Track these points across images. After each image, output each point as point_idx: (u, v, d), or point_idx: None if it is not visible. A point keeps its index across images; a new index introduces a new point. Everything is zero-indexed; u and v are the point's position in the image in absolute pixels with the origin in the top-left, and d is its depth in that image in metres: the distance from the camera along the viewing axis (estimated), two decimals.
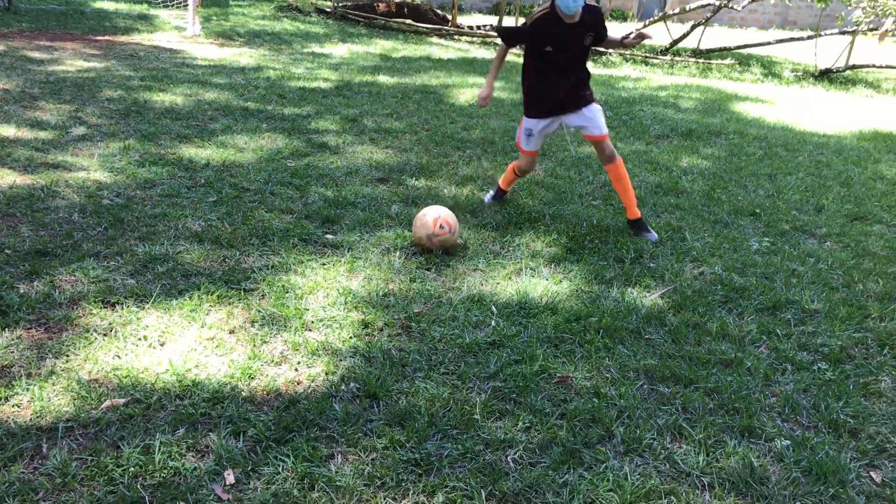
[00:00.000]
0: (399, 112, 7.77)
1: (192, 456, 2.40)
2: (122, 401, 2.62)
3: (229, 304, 3.38)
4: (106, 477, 2.27)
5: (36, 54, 9.20)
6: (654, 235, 4.59)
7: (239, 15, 15.57)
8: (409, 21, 16.54)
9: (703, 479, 2.48)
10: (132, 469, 2.30)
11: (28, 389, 2.64)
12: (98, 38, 11.26)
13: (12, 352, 2.86)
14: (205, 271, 3.68)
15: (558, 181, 5.76)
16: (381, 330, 3.27)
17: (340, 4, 17.45)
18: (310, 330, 3.21)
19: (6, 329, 3.00)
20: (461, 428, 2.61)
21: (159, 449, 2.39)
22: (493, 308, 3.52)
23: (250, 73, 9.36)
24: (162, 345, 3.01)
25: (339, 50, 12.24)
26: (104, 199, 4.54)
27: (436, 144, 6.59)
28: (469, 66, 11.68)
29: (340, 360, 2.99)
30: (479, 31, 16.24)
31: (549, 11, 4.28)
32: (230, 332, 3.14)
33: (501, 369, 2.99)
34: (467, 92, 9.24)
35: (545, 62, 4.37)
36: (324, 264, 3.87)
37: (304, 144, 6.22)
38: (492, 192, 5.13)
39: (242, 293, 3.48)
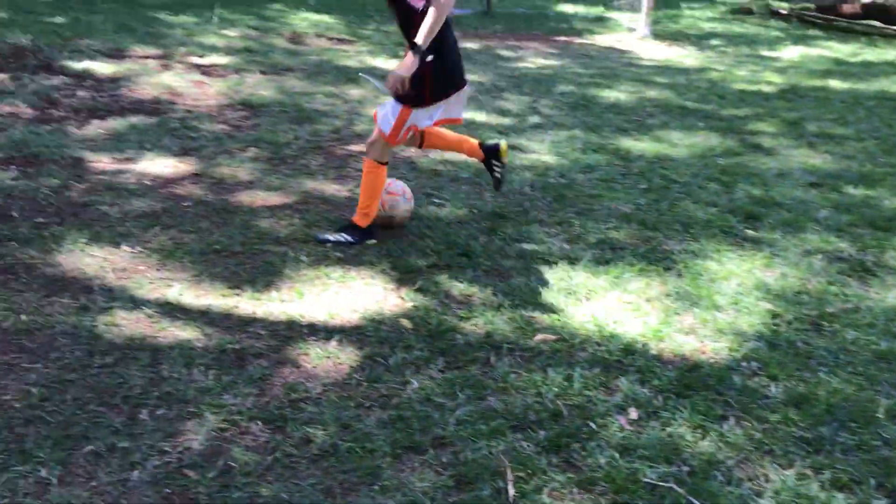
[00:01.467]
0: (846, 118, 7.40)
1: (604, 391, 2.86)
2: (552, 337, 3.20)
3: (648, 277, 3.78)
4: (535, 390, 2.84)
5: (505, 52, 10.61)
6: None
7: (689, 17, 15.84)
8: (877, 23, 15.17)
9: None
10: (555, 389, 2.84)
11: (483, 315, 3.35)
12: (557, 38, 12.49)
13: (474, 287, 3.62)
14: (629, 247, 4.14)
15: None
16: (790, 323, 3.39)
17: (799, 6, 16.67)
18: (719, 310, 3.47)
19: (470, 268, 3.80)
20: (860, 423, 2.67)
21: (578, 379, 2.90)
22: None
23: (693, 74, 9.63)
24: (587, 300, 3.53)
25: (788, 53, 11.84)
26: (550, 177, 5.27)
27: (884, 153, 6.20)
28: None
29: (745, 341, 3.21)
30: None
31: None
32: (647, 300, 3.55)
33: None
34: None
35: None
36: (741, 256, 4.07)
37: (737, 144, 6.35)
38: None
39: (661, 270, 3.86)
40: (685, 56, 11.20)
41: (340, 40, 10.21)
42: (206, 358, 2.95)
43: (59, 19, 9.86)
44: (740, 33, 14.01)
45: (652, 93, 8.29)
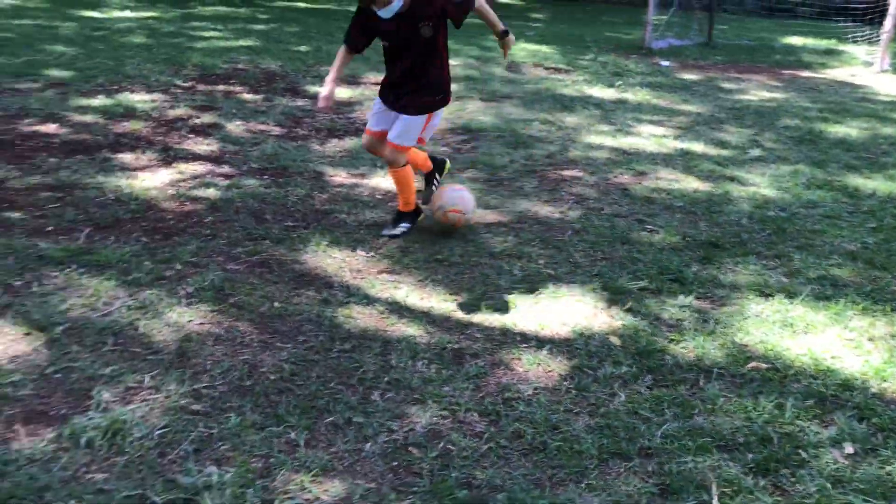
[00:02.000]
0: None
1: (817, 423, 2.84)
2: (764, 366, 3.20)
3: (873, 316, 3.65)
4: (745, 415, 2.87)
5: (726, 84, 10.40)
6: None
7: None
8: None
9: None
10: (765, 416, 2.86)
11: (693, 340, 3.41)
12: (783, 71, 12.03)
13: (685, 312, 3.69)
14: (853, 285, 4.00)
15: None
16: None
17: None
18: None
19: (681, 294, 3.86)
20: None
21: (790, 409, 2.89)
22: None
23: None
24: (805, 333, 3.48)
25: None
26: (770, 210, 5.17)
27: None
28: None
29: None
30: None
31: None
32: (869, 339, 3.44)
33: None
34: None
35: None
36: None
37: None
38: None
39: (888, 310, 3.71)
40: None
41: (557, 69, 10.51)
42: (428, 353, 3.25)
43: (303, 48, 10.96)
44: None
45: (888, 129, 7.82)
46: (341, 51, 4.21)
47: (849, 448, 2.68)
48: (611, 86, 9.52)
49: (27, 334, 3.21)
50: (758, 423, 2.82)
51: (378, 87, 4.35)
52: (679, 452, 2.64)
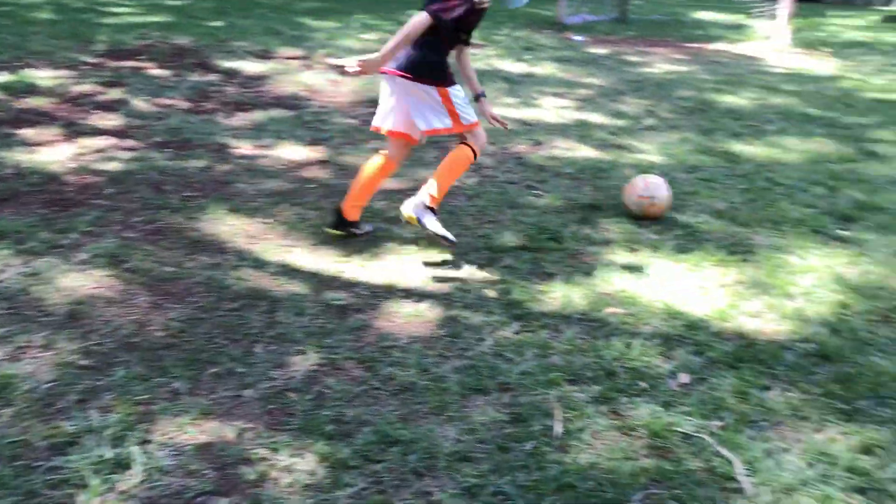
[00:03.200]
0: None
1: (661, 359, 3.16)
2: (621, 310, 3.52)
3: (726, 266, 4.02)
4: (596, 353, 3.18)
5: (633, 57, 10.80)
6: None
7: (834, 26, 15.38)
8: None
9: None
10: (615, 353, 3.17)
11: (560, 290, 3.71)
12: (689, 45, 12.52)
13: (557, 266, 3.98)
14: (714, 239, 4.37)
15: None
16: (859, 314, 3.55)
17: None
18: (789, 298, 3.67)
19: (556, 251, 4.16)
20: None
21: (637, 347, 3.21)
22: None
23: (824, 82, 9.50)
24: (662, 283, 3.82)
25: None
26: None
27: None
28: None
29: (807, 326, 3.41)
30: None
31: None
32: (720, 286, 3.80)
33: None
34: None
35: None
36: (826, 253, 4.22)
37: (854, 151, 6.34)
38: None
39: (740, 261, 4.08)
40: (821, 65, 10.99)
41: (474, 45, 10.73)
42: (314, 309, 3.47)
43: (217, 23, 10.94)
44: (891, 43, 13.51)
45: (776, 100, 8.30)
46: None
47: (683, 378, 3.01)
48: (521, 60, 9.80)
49: None
50: (607, 359, 3.12)
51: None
52: (532, 386, 2.93)
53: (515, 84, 8.36)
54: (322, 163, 5.48)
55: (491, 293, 3.67)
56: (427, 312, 3.49)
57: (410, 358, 3.12)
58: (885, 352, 3.21)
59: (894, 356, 3.17)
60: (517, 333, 3.33)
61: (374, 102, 7.08)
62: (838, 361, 3.13)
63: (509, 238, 4.30)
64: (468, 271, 3.89)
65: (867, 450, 2.60)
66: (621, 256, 4.11)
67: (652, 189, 4.60)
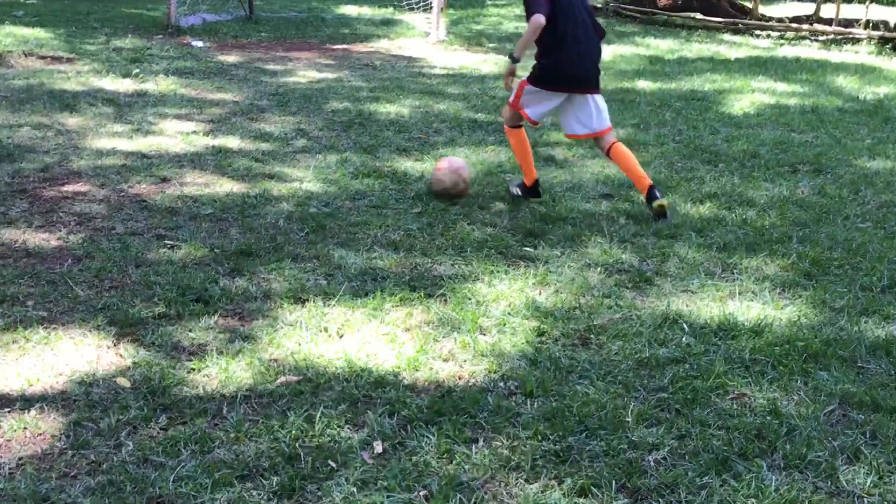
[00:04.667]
0: (649, 122, 8.44)
1: (350, 428, 3.28)
2: (295, 378, 3.59)
3: (410, 305, 4.28)
4: (272, 436, 3.21)
5: (270, 66, 11.08)
6: None
7: (493, 16, 17.11)
8: (696, 15, 17.07)
9: (865, 498, 2.90)
10: (294, 432, 3.23)
11: (217, 364, 3.70)
12: (335, 46, 13.16)
13: (209, 334, 3.96)
14: (393, 276, 4.64)
15: (823, 200, 6.10)
16: (557, 340, 3.99)
17: (613, 1, 18.42)
18: (483, 333, 4.02)
19: (206, 315, 4.13)
20: (610, 429, 3.25)
21: (320, 419, 3.30)
22: (685, 326, 4.10)
23: (489, 82, 10.52)
24: (340, 336, 3.97)
25: None
26: (311, 206, 5.72)
27: (683, 158, 7.17)
28: (760, 66, 12.02)
29: (505, 362, 3.76)
30: (788, 25, 16.33)
31: None
32: (405, 330, 4.03)
33: (673, 382, 3.58)
34: (745, 98, 9.65)
35: None
36: (513, 276, 4.68)
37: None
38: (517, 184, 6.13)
39: (425, 297, 4.38)
40: (483, 62, 12.17)
41: (56, 59, 10.27)
42: None
43: None
44: None
45: (440, 105, 9.03)
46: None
47: (378, 446, 3.15)
48: (127, 75, 9.60)
49: None
50: (285, 441, 3.17)
51: None
52: (195, 494, 2.88)
53: (123, 107, 8.18)
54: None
55: (124, 382, 3.55)
56: (38, 421, 3.27)
57: (22, 486, 2.90)
58: (587, 377, 3.64)
59: (597, 381, 3.61)
60: (166, 429, 3.25)
61: None
62: (542, 397, 3.48)
63: (140, 306, 4.18)
64: (90, 358, 3.72)
65: (583, 491, 2.92)
66: (289, 311, 4.20)
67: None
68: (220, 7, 14.96)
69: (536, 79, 5.68)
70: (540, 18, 5.44)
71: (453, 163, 6.13)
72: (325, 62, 11.74)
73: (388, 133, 7.79)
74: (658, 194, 5.62)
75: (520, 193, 6.04)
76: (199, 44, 12.24)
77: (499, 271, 4.74)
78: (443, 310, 4.24)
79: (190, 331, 3.98)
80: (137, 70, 9.80)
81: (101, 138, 7.06)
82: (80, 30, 12.18)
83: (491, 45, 13.99)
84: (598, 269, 4.82)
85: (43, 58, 10.27)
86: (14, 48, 10.49)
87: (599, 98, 5.73)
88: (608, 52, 13.08)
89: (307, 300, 4.33)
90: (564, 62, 5.56)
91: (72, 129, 7.29)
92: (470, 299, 4.37)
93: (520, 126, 5.92)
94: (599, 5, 17.97)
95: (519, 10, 17.86)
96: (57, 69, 9.71)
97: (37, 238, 5.00)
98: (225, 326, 4.05)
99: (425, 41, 13.94)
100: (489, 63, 12.09)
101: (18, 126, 7.22)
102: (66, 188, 5.88)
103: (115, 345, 3.84)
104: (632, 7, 17.83)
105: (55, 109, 7.85)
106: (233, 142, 7.26)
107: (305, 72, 10.86)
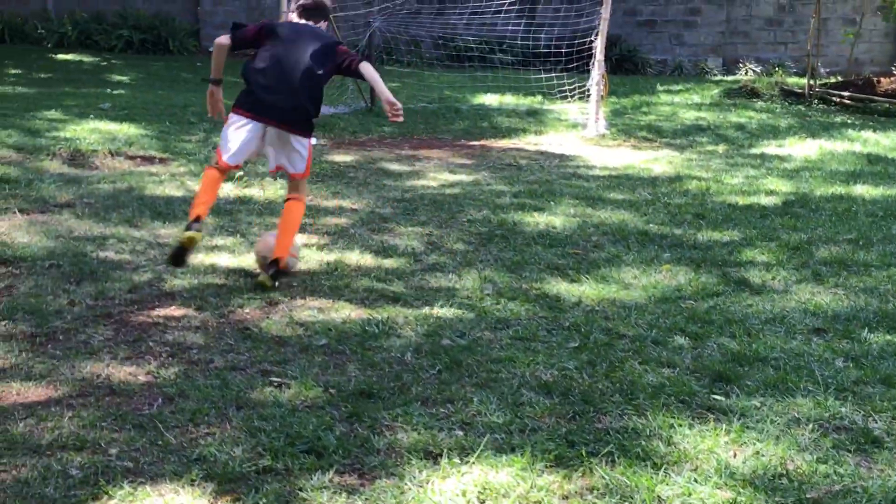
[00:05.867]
0: (872, 237, 8.27)
1: None
2: None
3: (568, 466, 4.25)
4: None
5: (394, 166, 11.41)
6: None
7: (664, 105, 17.22)
8: None
9: None
10: None
11: None
12: (472, 143, 13.47)
13: (323, 494, 4.02)
14: (546, 427, 4.62)
15: None
16: None
17: (822, 82, 18.32)
18: None
19: (319, 470, 4.20)
20: None
21: None
22: None
23: (662, 186, 10.56)
24: (481, 503, 3.95)
25: (803, 149, 13.07)
26: (444, 338, 5.78)
27: None
28: None
29: None
30: None
31: None
32: (563, 498, 4.00)
33: None
34: None
35: None
36: (701, 432, 4.59)
37: (716, 280, 7.05)
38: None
39: (587, 456, 4.33)
40: (654, 160, 12.25)
41: (147, 159, 10.83)
42: None
43: None
44: (738, 124, 15.36)
45: (601, 214, 9.09)
46: None
47: None
48: (230, 178, 10.01)
49: None
50: None
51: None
52: None
53: (224, 215, 8.53)
54: None
55: None
56: None
57: None
58: None
59: None
60: None
61: None
62: None
63: (242, 457, 4.28)
64: None
65: None
66: (418, 468, 4.22)
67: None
68: (335, 98, 15.55)
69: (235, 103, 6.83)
70: (223, 39, 6.86)
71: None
72: (459, 162, 12.01)
73: (536, 248, 7.86)
74: (273, 271, 6.65)
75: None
76: (313, 141, 12.70)
77: (681, 425, 4.66)
78: (610, 474, 4.19)
79: (300, 489, 4.04)
80: (241, 172, 10.22)
81: (199, 253, 7.35)
82: (176, 125, 12.81)
83: (663, 139, 14.08)
84: (810, 425, 4.69)
85: (132, 158, 10.83)
86: (100, 146, 11.09)
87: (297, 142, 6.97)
88: (813, 147, 12.99)
89: (440, 455, 4.35)
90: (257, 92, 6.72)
91: (165, 241, 7.62)
92: (644, 461, 4.30)
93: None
94: (798, 90, 17.90)
95: (698, 97, 17.96)
96: (148, 171, 10.22)
97: (122, 372, 5.20)
98: (342, 485, 4.09)
99: (581, 135, 14.13)
100: (661, 162, 12.14)
101: (103, 238, 7.59)
102: (157, 312, 6.12)
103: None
104: (843, 93, 17.68)
105: (146, 218, 8.24)
106: (351, 258, 7.45)
107: (436, 173, 11.12)
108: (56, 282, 6.56)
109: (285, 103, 6.68)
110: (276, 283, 6.58)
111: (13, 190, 8.91)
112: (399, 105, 6.62)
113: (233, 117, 6.75)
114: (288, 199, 7.02)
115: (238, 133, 6.71)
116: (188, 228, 6.47)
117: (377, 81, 6.74)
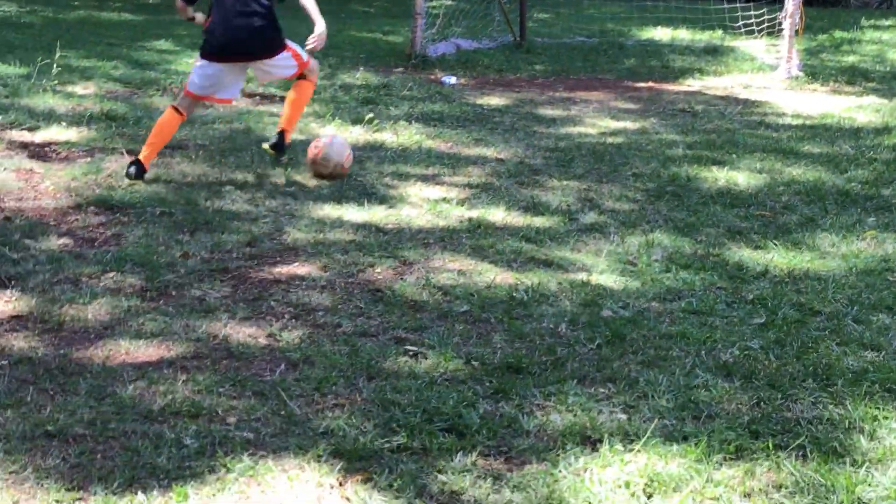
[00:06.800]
0: None
1: None
2: None
3: (752, 459, 4.24)
4: None
5: (547, 110, 11.42)
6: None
7: (870, 43, 16.81)
8: None
9: None
10: None
11: None
12: (638, 84, 13.38)
13: (465, 478, 4.09)
14: (725, 414, 4.62)
15: None
16: None
17: None
18: None
19: (460, 451, 4.27)
20: None
21: None
22: None
23: (867, 138, 10.35)
24: (648, 497, 3.99)
25: None
26: (605, 309, 5.80)
27: None
28: None
29: None
30: None
31: None
32: (744, 496, 4.00)
33: None
34: None
35: None
36: None
37: None
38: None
39: (773, 449, 4.32)
40: (858, 108, 11.99)
41: (267, 97, 11.04)
42: None
43: None
44: None
45: (793, 170, 8.97)
46: None
47: None
48: (358, 121, 10.18)
49: None
50: None
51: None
52: None
53: (353, 163, 8.64)
54: (17, 320, 5.45)
55: None
56: None
57: None
58: None
59: None
60: None
61: (105, 204, 7.19)
62: None
63: (374, 433, 4.38)
64: (309, 499, 3.94)
65: None
66: (574, 454, 4.26)
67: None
68: (479, 31, 15.57)
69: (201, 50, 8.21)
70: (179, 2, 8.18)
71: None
72: (623, 106, 11.95)
73: (714, 208, 7.81)
74: (277, 141, 8.39)
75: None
76: (453, 80, 12.80)
77: (886, 418, 4.60)
78: (801, 470, 4.17)
79: (439, 471, 4.13)
80: (371, 115, 10.36)
81: (325, 204, 7.50)
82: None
83: (869, 84, 13.75)
84: None
85: (250, 96, 11.06)
86: None
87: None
88: None
89: (599, 441, 4.38)
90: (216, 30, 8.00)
91: (287, 190, 7.78)
92: (842, 457, 4.27)
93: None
94: None
95: None
96: (268, 111, 10.43)
97: (241, 333, 5.36)
98: (486, 469, 4.16)
99: (769, 77, 13.91)
100: (866, 110, 11.88)
101: (219, 185, 7.79)
102: (278, 269, 6.27)
103: (340, 484, 4.04)
104: None
105: (265, 164, 8.42)
106: (496, 214, 7.51)
107: (596, 119, 11.09)
108: (168, 231, 6.78)
109: (241, 35, 7.96)
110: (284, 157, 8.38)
111: (120, 128, 9.20)
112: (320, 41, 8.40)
113: (200, 61, 8.15)
114: (299, 78, 8.48)
115: (212, 73, 8.13)
116: None
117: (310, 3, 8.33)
